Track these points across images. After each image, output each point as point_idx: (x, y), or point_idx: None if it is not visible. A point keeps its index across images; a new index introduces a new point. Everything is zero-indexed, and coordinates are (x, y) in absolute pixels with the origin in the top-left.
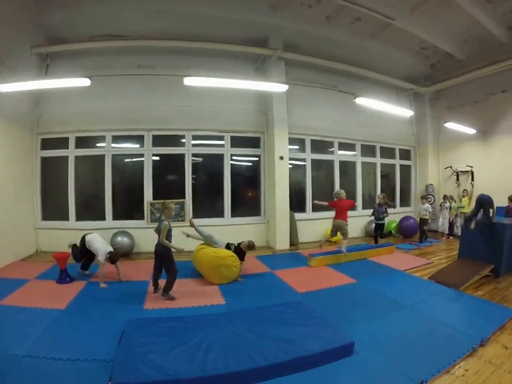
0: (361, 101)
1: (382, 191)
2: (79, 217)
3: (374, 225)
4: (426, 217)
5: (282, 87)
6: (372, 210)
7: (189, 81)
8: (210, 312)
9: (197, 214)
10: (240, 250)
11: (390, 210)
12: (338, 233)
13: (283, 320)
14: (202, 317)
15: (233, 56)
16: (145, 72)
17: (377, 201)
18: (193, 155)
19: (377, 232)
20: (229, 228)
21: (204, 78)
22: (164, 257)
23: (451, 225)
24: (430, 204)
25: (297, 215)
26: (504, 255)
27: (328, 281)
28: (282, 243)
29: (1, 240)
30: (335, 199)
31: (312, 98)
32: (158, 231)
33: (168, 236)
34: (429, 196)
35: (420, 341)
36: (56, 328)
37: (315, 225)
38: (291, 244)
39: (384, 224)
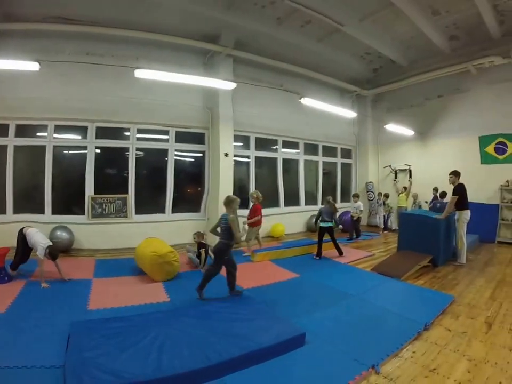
0: (306, 101)
1: (323, 188)
2: (17, 210)
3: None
4: (356, 216)
5: (229, 85)
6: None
7: (139, 73)
8: (156, 309)
9: (138, 210)
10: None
11: None
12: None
13: (231, 316)
14: (149, 315)
15: (183, 49)
16: (93, 60)
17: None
18: (137, 149)
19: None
20: (169, 224)
21: (154, 71)
22: (225, 254)
23: (385, 220)
24: (370, 200)
25: (240, 212)
26: (440, 247)
27: (272, 276)
28: None
29: None
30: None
31: (258, 96)
32: (216, 229)
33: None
34: (369, 193)
35: (367, 328)
36: None
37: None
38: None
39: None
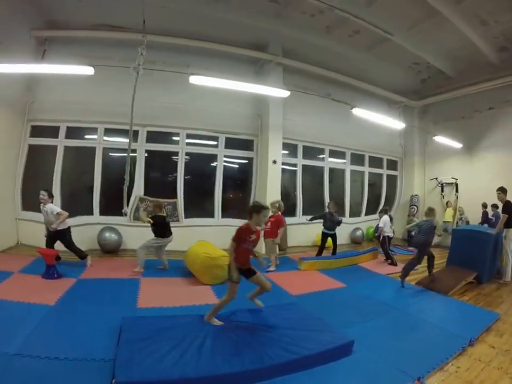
0: (356, 111)
1: (368, 199)
2: (64, 208)
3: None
4: (387, 234)
5: (283, 93)
6: (312, 217)
7: (194, 79)
8: (205, 311)
9: (187, 214)
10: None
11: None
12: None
13: (280, 321)
14: (198, 316)
15: (233, 58)
16: (144, 66)
17: (327, 210)
18: (187, 154)
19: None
20: (219, 229)
21: (209, 78)
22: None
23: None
24: (414, 214)
25: (287, 219)
26: (487, 264)
27: (319, 285)
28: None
29: None
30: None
31: (306, 105)
32: None
33: None
34: (412, 207)
35: (412, 341)
36: (47, 325)
37: (304, 230)
38: (280, 248)
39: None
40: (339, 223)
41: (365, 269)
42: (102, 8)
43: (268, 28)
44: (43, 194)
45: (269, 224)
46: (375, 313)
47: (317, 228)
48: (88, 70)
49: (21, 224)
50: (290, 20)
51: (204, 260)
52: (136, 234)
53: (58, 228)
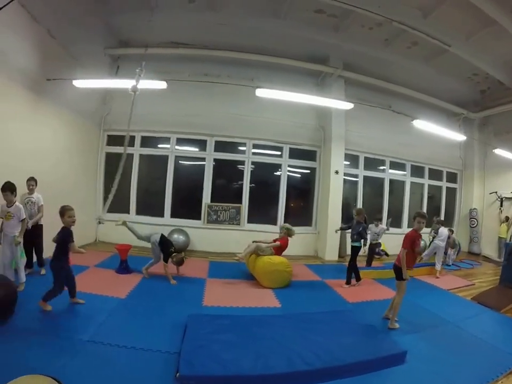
0: (417, 123)
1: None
2: (139, 212)
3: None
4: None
5: (346, 105)
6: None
7: (260, 92)
8: (268, 313)
9: (250, 219)
10: (168, 255)
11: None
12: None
13: (336, 326)
14: (261, 317)
15: (295, 71)
16: (211, 80)
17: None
18: (252, 163)
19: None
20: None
21: (274, 91)
22: None
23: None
24: (473, 227)
25: None
26: None
27: (374, 294)
28: (331, 254)
29: None
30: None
31: (367, 116)
32: None
33: None
34: (472, 219)
35: (463, 355)
36: (117, 316)
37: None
38: (339, 256)
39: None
40: (359, 233)
41: (420, 281)
42: (170, 26)
43: (328, 42)
44: (32, 184)
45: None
46: (428, 325)
47: None
48: (161, 85)
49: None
50: (349, 34)
51: (266, 264)
52: (204, 236)
53: (40, 223)
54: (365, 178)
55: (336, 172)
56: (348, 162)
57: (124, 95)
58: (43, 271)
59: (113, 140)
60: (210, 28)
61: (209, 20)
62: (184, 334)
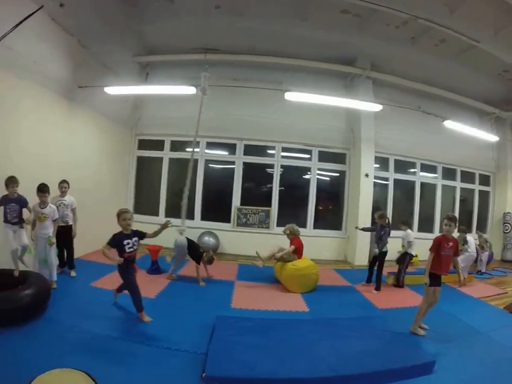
0: (448, 123)
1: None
2: (168, 214)
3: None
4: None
5: (374, 107)
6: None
7: (289, 96)
8: (295, 317)
9: (280, 223)
10: (199, 256)
11: None
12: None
13: (364, 333)
14: (288, 320)
15: (323, 73)
16: (239, 84)
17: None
18: (281, 166)
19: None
20: (310, 239)
21: (303, 94)
22: None
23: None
24: (506, 233)
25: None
26: None
27: (405, 301)
28: (361, 259)
29: (98, 226)
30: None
31: (397, 117)
32: None
33: None
34: (505, 224)
35: (494, 367)
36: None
37: (392, 243)
38: (369, 261)
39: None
40: (380, 238)
41: (453, 289)
42: (197, 33)
43: (354, 42)
44: (65, 187)
45: None
46: (458, 335)
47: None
48: (190, 90)
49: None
50: (375, 33)
51: (291, 270)
52: (233, 239)
53: (70, 223)
54: (395, 181)
55: (366, 175)
56: (378, 165)
57: (153, 100)
58: (73, 274)
59: (145, 144)
60: (237, 33)
61: (234, 25)
62: (211, 335)
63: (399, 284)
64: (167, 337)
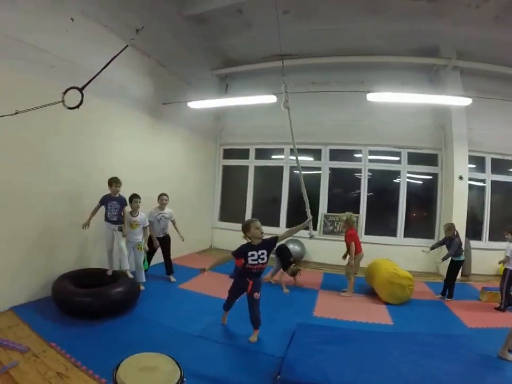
0: None
1: None
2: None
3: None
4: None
5: (463, 101)
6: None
7: (372, 97)
8: (378, 330)
9: (368, 230)
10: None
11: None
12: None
13: (449, 352)
14: (369, 332)
15: (405, 67)
16: (319, 88)
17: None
18: (369, 170)
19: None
20: (400, 249)
21: (386, 93)
22: None
23: None
24: None
25: (472, 243)
26: None
27: (501, 320)
28: None
29: (185, 234)
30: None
31: (491, 110)
32: None
33: None
34: None
35: None
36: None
37: (490, 256)
38: (462, 274)
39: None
40: (453, 245)
41: None
42: (270, 40)
43: (434, 30)
44: (165, 199)
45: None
46: None
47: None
48: (271, 98)
49: (215, 232)
50: (454, 17)
51: (390, 274)
52: (319, 247)
53: (167, 233)
54: (493, 183)
55: (461, 178)
56: (473, 166)
57: (235, 110)
58: (173, 279)
59: (230, 153)
60: (310, 36)
61: (307, 28)
62: (290, 340)
63: (500, 307)
64: (246, 339)
